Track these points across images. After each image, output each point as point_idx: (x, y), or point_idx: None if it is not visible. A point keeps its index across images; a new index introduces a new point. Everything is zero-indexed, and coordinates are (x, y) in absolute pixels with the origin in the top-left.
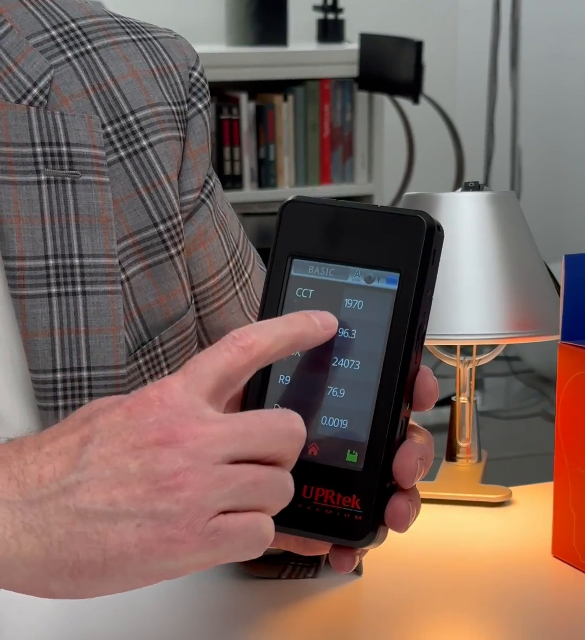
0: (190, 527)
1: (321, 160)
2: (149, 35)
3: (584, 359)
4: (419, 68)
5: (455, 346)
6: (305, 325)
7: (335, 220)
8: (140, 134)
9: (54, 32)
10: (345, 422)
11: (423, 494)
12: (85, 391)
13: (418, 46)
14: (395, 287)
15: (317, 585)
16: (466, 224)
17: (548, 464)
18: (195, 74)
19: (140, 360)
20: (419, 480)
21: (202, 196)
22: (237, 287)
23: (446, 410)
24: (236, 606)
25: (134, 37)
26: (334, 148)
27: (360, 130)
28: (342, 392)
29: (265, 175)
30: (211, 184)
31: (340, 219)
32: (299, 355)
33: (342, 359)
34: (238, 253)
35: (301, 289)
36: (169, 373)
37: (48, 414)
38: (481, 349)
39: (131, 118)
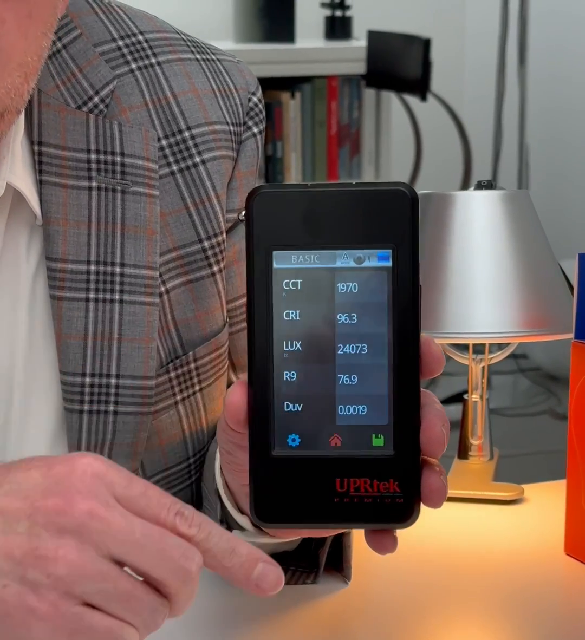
0: (53, 606)
1: (328, 157)
2: (213, 57)
3: None
4: (426, 65)
5: (467, 344)
6: (239, 566)
7: (312, 204)
8: (194, 151)
9: (120, 43)
10: (364, 408)
11: None
12: (112, 398)
13: (426, 43)
14: (389, 263)
15: (330, 589)
16: (479, 223)
17: (556, 461)
18: (255, 99)
19: (172, 374)
20: (445, 444)
21: (241, 217)
22: None
23: (455, 408)
24: (234, 612)
25: (198, 56)
26: (341, 145)
27: (368, 127)
28: (354, 378)
29: (273, 172)
30: None
31: (317, 202)
32: (300, 348)
33: (348, 345)
34: None
35: (288, 281)
36: (200, 390)
37: (73, 416)
38: (491, 347)
39: (187, 134)
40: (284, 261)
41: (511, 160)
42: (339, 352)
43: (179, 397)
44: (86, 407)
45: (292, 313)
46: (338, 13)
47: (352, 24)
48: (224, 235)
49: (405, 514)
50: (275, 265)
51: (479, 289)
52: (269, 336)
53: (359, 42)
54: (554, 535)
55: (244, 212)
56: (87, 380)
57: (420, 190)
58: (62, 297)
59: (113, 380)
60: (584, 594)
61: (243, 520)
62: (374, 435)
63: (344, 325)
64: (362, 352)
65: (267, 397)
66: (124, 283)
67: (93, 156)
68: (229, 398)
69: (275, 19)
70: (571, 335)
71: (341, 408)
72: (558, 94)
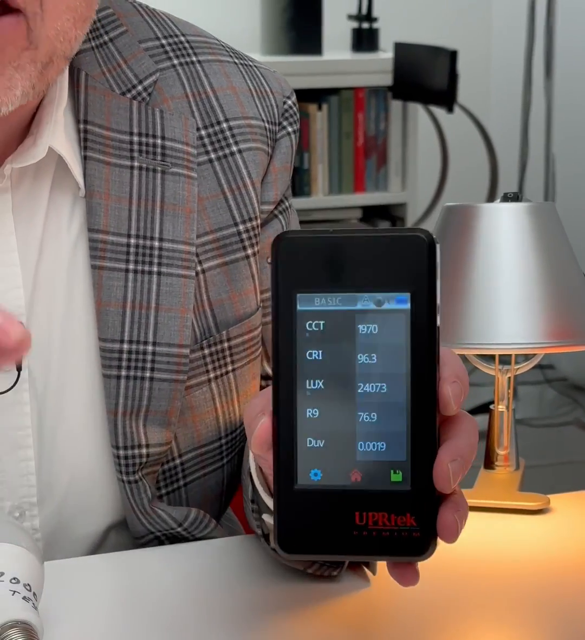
0: None
1: (355, 169)
2: (250, 63)
3: None
4: (453, 77)
5: (494, 355)
6: None
7: (333, 249)
8: (231, 140)
9: (164, 41)
10: (383, 445)
11: None
12: (148, 365)
13: (452, 55)
14: (407, 306)
15: (355, 589)
16: (505, 235)
17: (582, 471)
18: (289, 102)
19: (206, 351)
20: (457, 482)
21: (276, 212)
22: None
23: (481, 418)
24: (253, 607)
25: (236, 60)
26: (368, 156)
27: (394, 138)
28: (373, 416)
29: (299, 184)
30: (287, 204)
31: (338, 248)
32: (323, 387)
33: (368, 384)
34: None
35: (311, 322)
36: (233, 370)
37: (110, 382)
38: (517, 357)
39: (225, 125)
40: (307, 304)
41: (537, 172)
42: (359, 391)
43: (211, 375)
44: (124, 372)
45: (315, 353)
46: (365, 25)
47: (378, 36)
48: (259, 221)
49: (422, 548)
50: (299, 308)
51: (506, 300)
52: (292, 375)
53: (385, 54)
54: (580, 545)
55: (269, 258)
56: (125, 346)
57: (447, 201)
58: (102, 266)
59: (150, 348)
60: None
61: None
62: (392, 471)
63: (364, 365)
64: (382, 391)
65: (290, 433)
66: (162, 256)
67: (135, 138)
68: (256, 431)
69: (302, 31)
70: None
71: (361, 444)
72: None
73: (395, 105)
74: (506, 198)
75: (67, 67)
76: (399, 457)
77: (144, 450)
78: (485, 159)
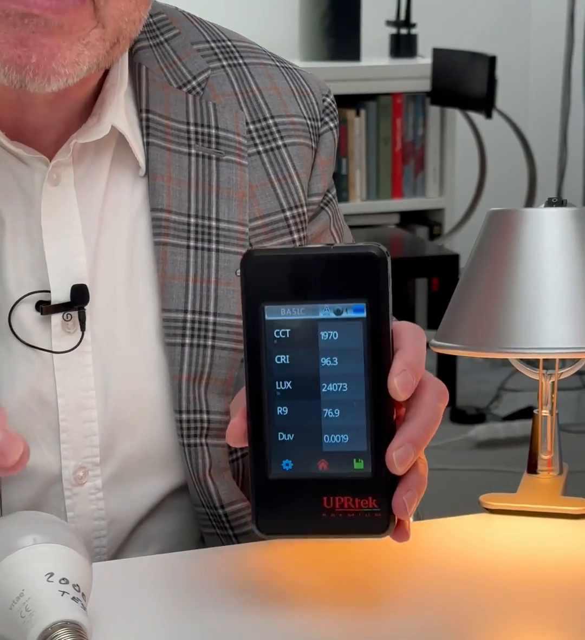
0: None
1: (393, 174)
2: (291, 66)
3: None
4: (492, 83)
5: (537, 359)
6: None
7: (297, 265)
8: (277, 135)
9: (213, 44)
10: (346, 437)
11: (505, 505)
12: (210, 334)
13: (491, 61)
14: (363, 314)
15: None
16: (550, 240)
17: None
18: (328, 99)
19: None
20: (407, 464)
21: (322, 204)
22: None
23: (519, 423)
24: (289, 611)
25: (278, 64)
26: (405, 162)
27: (432, 144)
28: (337, 411)
29: (337, 189)
30: (330, 196)
31: (301, 263)
32: (290, 387)
33: (330, 384)
34: None
35: (278, 330)
36: None
37: (175, 349)
38: (561, 362)
39: (271, 121)
40: (274, 314)
41: (576, 178)
42: (323, 390)
43: None
44: (187, 340)
45: (283, 357)
46: (403, 31)
47: (417, 41)
48: (305, 208)
49: (384, 526)
50: (266, 317)
51: (550, 305)
52: (263, 377)
53: (424, 59)
54: None
55: (238, 271)
56: (189, 316)
57: (485, 206)
58: (166, 242)
59: (211, 318)
60: None
61: None
62: (355, 460)
63: (327, 367)
64: (343, 390)
65: (263, 429)
66: (219, 235)
67: (192, 128)
68: (231, 424)
69: (340, 37)
70: None
71: (326, 437)
72: None
73: (433, 110)
74: (550, 203)
75: (127, 53)
76: (360, 448)
77: (205, 416)
78: (523, 164)
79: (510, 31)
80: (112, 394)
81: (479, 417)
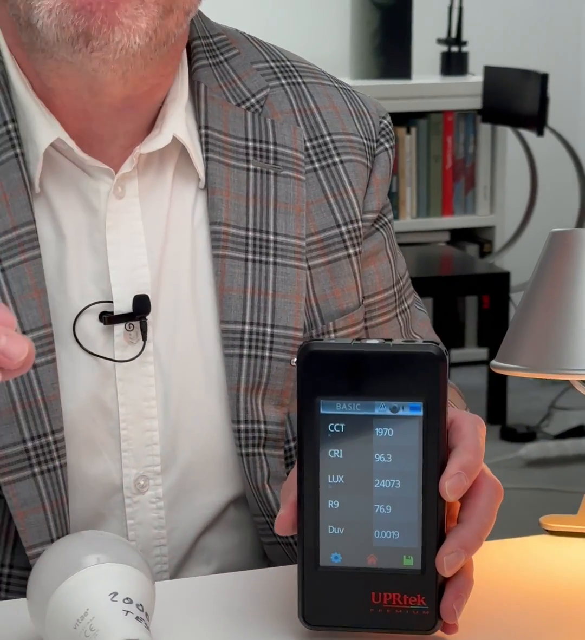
0: None
1: (443, 192)
2: (349, 88)
3: None
4: (543, 100)
5: None
6: None
7: (354, 361)
8: (334, 152)
9: (272, 64)
10: (396, 533)
11: (567, 527)
12: (267, 345)
13: (543, 79)
14: (420, 413)
15: None
16: None
17: None
18: (385, 121)
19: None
20: (456, 568)
21: (378, 225)
22: (398, 311)
23: (571, 442)
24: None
25: (336, 84)
26: (456, 180)
27: (483, 161)
28: (388, 508)
29: None
30: (386, 219)
31: (358, 360)
32: (343, 481)
33: (383, 480)
34: (402, 283)
35: (333, 424)
36: None
37: (233, 360)
38: None
39: (328, 138)
40: (329, 408)
41: None
42: (375, 485)
43: None
44: (245, 351)
45: (336, 451)
46: (454, 49)
47: (468, 59)
48: (360, 223)
49: (431, 624)
50: (322, 411)
51: None
52: (316, 470)
53: (475, 77)
54: None
55: (295, 360)
56: (247, 328)
57: (536, 224)
58: (225, 255)
59: (269, 330)
60: None
61: None
62: (404, 556)
63: (380, 463)
64: (396, 487)
65: (314, 521)
66: (277, 248)
67: (250, 143)
68: (279, 515)
69: (391, 56)
70: None
71: (377, 532)
72: None
73: (484, 128)
74: None
75: (187, 69)
76: (411, 544)
77: (262, 426)
78: (575, 181)
79: (562, 49)
80: (173, 403)
81: (529, 435)
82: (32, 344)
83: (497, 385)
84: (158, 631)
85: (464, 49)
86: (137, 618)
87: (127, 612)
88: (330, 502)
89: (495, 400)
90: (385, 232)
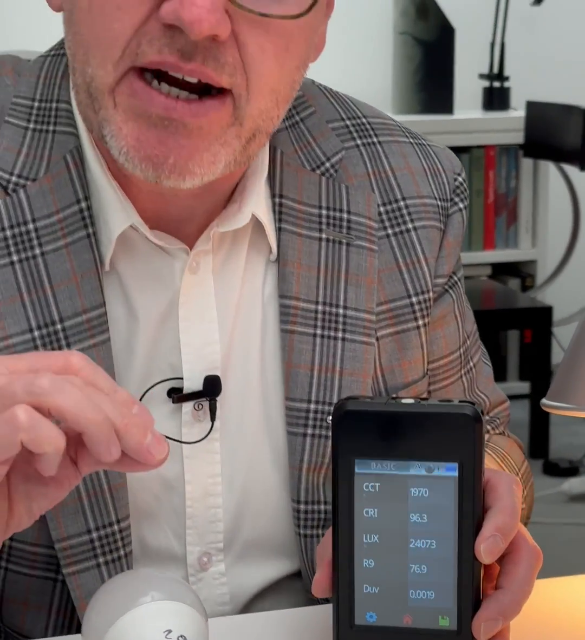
0: None
1: (485, 226)
2: (424, 142)
3: None
4: None
5: None
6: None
7: (389, 421)
8: (407, 218)
9: (348, 122)
10: (432, 593)
11: None
12: None
13: None
14: (456, 474)
15: None
16: None
17: None
18: (459, 179)
19: None
20: (493, 633)
21: (447, 286)
22: (463, 371)
23: None
24: None
25: (412, 140)
26: (498, 214)
27: (525, 196)
28: (424, 568)
29: None
30: (456, 278)
31: (393, 420)
32: (378, 541)
33: (418, 540)
34: (468, 342)
35: (368, 483)
36: None
37: (297, 439)
38: None
39: (402, 203)
40: (364, 467)
41: None
42: (410, 545)
43: None
44: (310, 431)
45: (371, 511)
46: (496, 84)
47: (510, 94)
48: (431, 294)
49: None
50: (357, 471)
51: None
52: (351, 529)
53: (517, 112)
54: None
55: (330, 418)
56: (312, 406)
57: (578, 259)
58: (293, 331)
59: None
60: None
61: None
62: (440, 617)
63: (416, 523)
64: (431, 547)
65: (349, 580)
66: (346, 323)
67: (323, 212)
68: (316, 578)
69: (433, 91)
70: None
71: (412, 592)
72: None
73: (526, 163)
74: None
75: (268, 142)
76: (447, 604)
77: (322, 507)
78: None
79: None
80: (238, 481)
81: (572, 470)
82: (168, 445)
83: (540, 420)
84: None
85: (506, 84)
86: None
87: None
88: (365, 562)
89: (538, 434)
90: (454, 293)
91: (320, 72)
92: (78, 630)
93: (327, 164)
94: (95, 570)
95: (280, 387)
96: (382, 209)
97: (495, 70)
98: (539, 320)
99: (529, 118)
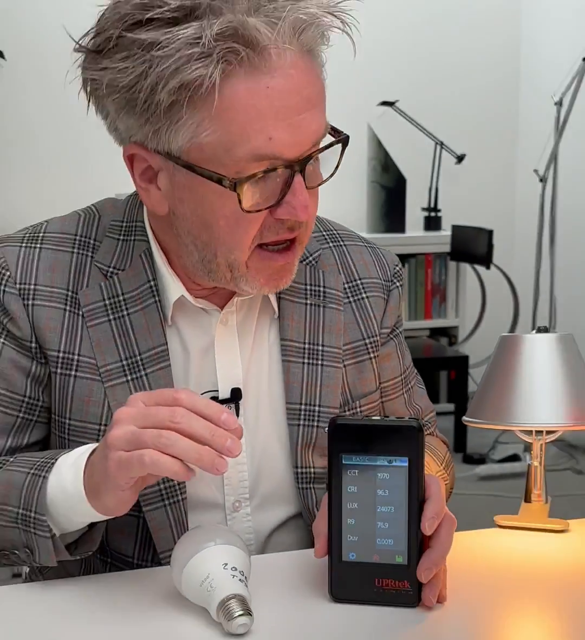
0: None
1: (425, 304)
2: (374, 246)
3: None
4: (490, 246)
5: (531, 430)
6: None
7: (364, 430)
8: (362, 291)
9: (324, 233)
10: (391, 541)
11: (509, 523)
12: (316, 418)
13: (490, 233)
14: (406, 465)
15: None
16: (540, 354)
17: (579, 502)
18: (397, 268)
19: (347, 413)
20: (431, 576)
21: (392, 336)
22: (404, 390)
23: (510, 465)
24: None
25: (365, 244)
26: (433, 296)
27: (451, 285)
28: (386, 524)
29: None
30: (398, 330)
31: (367, 430)
32: (357, 507)
33: (383, 506)
34: (407, 372)
35: (351, 470)
36: None
37: (294, 428)
38: (547, 432)
39: (359, 282)
40: (349, 460)
41: (545, 309)
42: (377, 510)
43: None
44: (302, 422)
45: (352, 488)
46: (432, 214)
47: (441, 221)
48: (378, 337)
49: (413, 602)
50: (344, 462)
51: (541, 395)
52: (340, 500)
53: (446, 232)
54: None
55: (326, 428)
56: (303, 407)
57: (485, 326)
58: (290, 360)
59: (317, 408)
60: None
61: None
62: (397, 555)
63: (381, 496)
64: (391, 511)
65: (339, 532)
66: (324, 355)
67: (308, 287)
68: (316, 547)
69: (392, 218)
70: None
71: (378, 540)
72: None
73: (452, 264)
74: (539, 330)
75: None
76: (401, 548)
77: (312, 469)
78: (510, 299)
79: (501, 211)
80: (256, 455)
81: (481, 460)
82: (241, 446)
83: (461, 428)
84: (252, 588)
85: (439, 214)
86: (240, 580)
87: (234, 576)
88: (349, 520)
89: (459, 436)
90: (396, 340)
91: (319, 205)
92: (154, 551)
93: (310, 258)
94: (162, 510)
95: (282, 395)
96: (346, 285)
97: (432, 205)
98: (460, 365)
99: (454, 236)
